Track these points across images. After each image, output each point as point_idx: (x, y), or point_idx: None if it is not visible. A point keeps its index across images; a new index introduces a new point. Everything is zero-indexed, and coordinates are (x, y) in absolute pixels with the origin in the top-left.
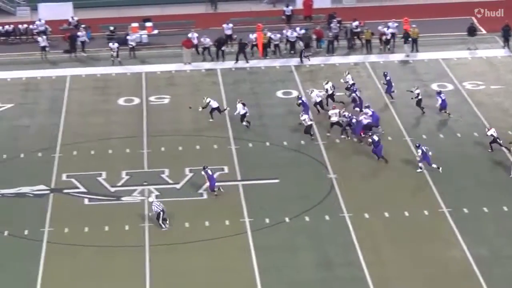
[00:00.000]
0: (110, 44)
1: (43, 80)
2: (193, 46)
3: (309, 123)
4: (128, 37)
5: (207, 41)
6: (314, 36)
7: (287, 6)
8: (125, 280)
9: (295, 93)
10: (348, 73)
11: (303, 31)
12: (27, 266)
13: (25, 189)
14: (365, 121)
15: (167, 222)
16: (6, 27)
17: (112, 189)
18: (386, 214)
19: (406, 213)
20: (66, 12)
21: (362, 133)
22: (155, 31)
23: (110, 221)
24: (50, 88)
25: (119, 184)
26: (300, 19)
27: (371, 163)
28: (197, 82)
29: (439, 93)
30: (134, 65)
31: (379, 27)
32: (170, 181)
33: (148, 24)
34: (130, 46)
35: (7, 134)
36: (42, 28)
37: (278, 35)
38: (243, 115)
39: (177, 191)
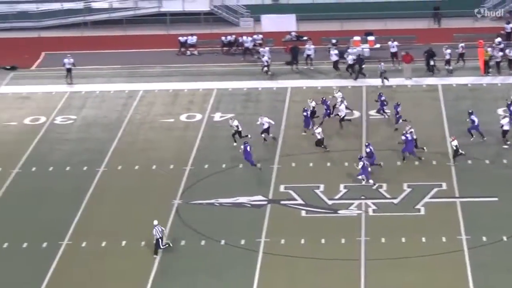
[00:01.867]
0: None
1: (263, 91)
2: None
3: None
4: (348, 50)
5: None
6: None
7: (508, 23)
8: None
9: None
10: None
11: None
12: (242, 276)
13: (242, 199)
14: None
15: (164, 246)
16: (229, 37)
17: (329, 202)
18: None
19: None
20: (288, 24)
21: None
22: (377, 45)
23: (326, 234)
24: (270, 99)
25: (337, 197)
26: None
27: None
28: (417, 97)
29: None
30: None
31: None
32: (388, 196)
33: (370, 38)
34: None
35: (227, 143)
36: (259, 42)
37: (500, 53)
38: (266, 129)
39: (394, 206)
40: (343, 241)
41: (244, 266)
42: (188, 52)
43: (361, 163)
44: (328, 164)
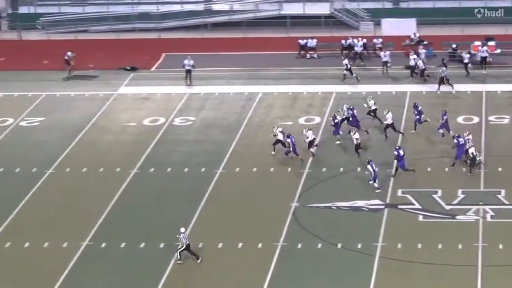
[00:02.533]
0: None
1: (383, 95)
2: None
3: None
4: (464, 55)
5: None
6: None
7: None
8: None
9: None
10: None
11: None
12: (358, 280)
13: (360, 203)
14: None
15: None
16: (349, 41)
17: (447, 207)
18: None
19: None
20: (409, 28)
21: None
22: (498, 51)
23: (444, 239)
24: (389, 103)
25: (454, 202)
26: None
27: None
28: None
29: None
30: (474, 84)
31: None
32: (507, 202)
33: (491, 43)
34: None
35: (345, 146)
36: (379, 46)
37: None
38: (312, 141)
39: None
40: (460, 246)
41: (361, 270)
42: (308, 55)
43: (369, 167)
44: (446, 169)
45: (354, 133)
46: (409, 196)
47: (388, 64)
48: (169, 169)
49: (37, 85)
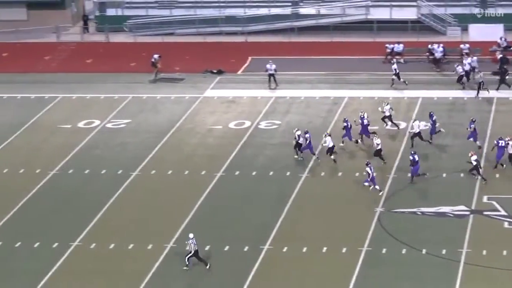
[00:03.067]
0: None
1: (469, 101)
2: None
3: None
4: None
5: None
6: None
7: None
8: None
9: None
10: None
11: None
12: (443, 286)
13: (445, 209)
14: None
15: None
16: (392, 45)
17: None
18: None
19: None
20: (496, 33)
21: None
22: None
23: None
24: (475, 109)
25: None
26: None
27: None
28: None
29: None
30: None
31: None
32: None
33: None
34: None
35: (432, 151)
36: (466, 51)
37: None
38: (331, 148)
39: None
40: None
41: (445, 276)
42: (394, 60)
43: (368, 169)
44: None
45: (376, 138)
46: (494, 203)
47: (476, 70)
48: (254, 172)
49: (124, 87)
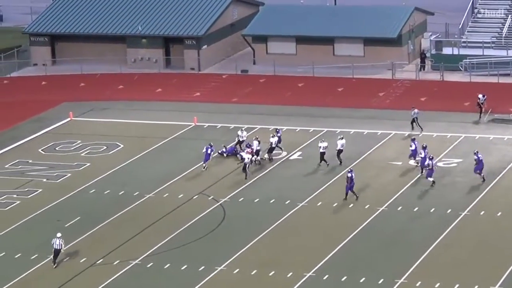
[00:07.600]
0: None
1: None
2: None
3: None
4: None
5: None
6: None
7: None
8: None
9: None
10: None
11: None
12: None
13: None
14: None
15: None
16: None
17: None
18: None
19: None
20: None
21: None
22: None
23: None
24: None
25: None
26: None
27: None
28: None
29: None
30: None
31: None
32: None
33: None
34: None
35: None
36: None
37: None
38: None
39: None
40: None
41: None
42: None
43: (349, 174)
44: None
45: (323, 141)
46: None
47: None
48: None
49: (456, 126)
